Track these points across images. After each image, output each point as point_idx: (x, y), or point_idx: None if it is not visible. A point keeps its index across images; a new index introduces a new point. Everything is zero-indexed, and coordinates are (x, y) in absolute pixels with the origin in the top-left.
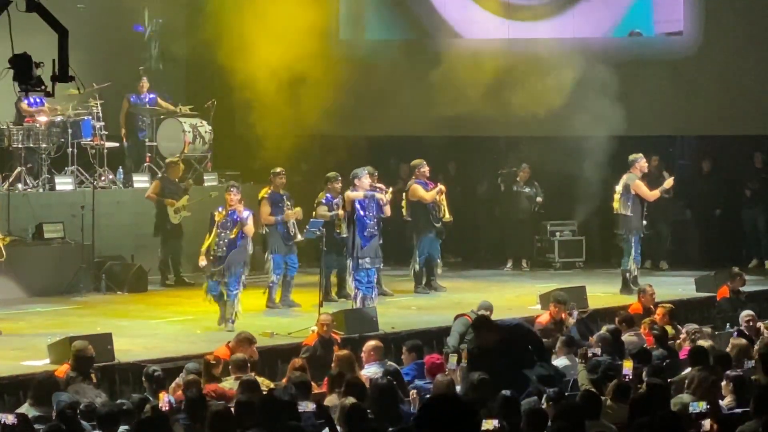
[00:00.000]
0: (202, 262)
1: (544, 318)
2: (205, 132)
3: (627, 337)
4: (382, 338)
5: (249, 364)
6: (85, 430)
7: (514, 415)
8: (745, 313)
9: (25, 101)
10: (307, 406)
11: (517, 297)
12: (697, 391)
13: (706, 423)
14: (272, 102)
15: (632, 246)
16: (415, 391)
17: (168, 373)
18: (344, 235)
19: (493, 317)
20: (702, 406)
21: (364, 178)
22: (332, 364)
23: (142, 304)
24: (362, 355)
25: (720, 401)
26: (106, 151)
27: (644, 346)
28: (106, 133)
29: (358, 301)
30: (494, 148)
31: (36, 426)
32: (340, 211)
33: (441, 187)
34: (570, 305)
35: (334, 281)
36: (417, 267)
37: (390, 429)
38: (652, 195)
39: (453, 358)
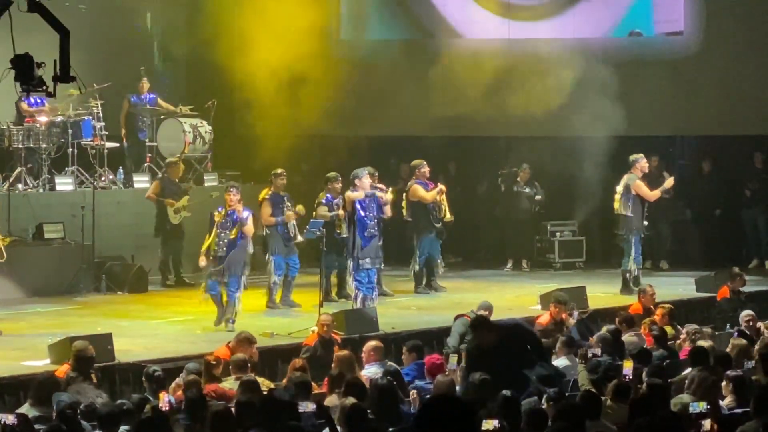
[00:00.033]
0: (203, 262)
1: (545, 318)
2: (206, 132)
3: (627, 337)
4: (383, 338)
5: (249, 365)
6: (85, 431)
7: (514, 415)
8: (745, 313)
9: (26, 101)
10: (307, 407)
11: (517, 297)
12: (697, 391)
13: (707, 423)
14: (272, 102)
15: (632, 246)
16: (415, 391)
17: (168, 373)
18: (344, 236)
19: (494, 318)
20: (702, 406)
21: (365, 178)
22: (332, 365)
23: (142, 305)
24: (362, 355)
25: (720, 401)
26: (106, 151)
27: (644, 346)
28: (107, 133)
29: (358, 302)
30: (494, 148)
31: (36, 426)
32: (341, 212)
33: (441, 187)
34: (570, 305)
35: (334, 281)
36: (417, 267)
37: (390, 429)
38: (653, 195)
39: (453, 359)
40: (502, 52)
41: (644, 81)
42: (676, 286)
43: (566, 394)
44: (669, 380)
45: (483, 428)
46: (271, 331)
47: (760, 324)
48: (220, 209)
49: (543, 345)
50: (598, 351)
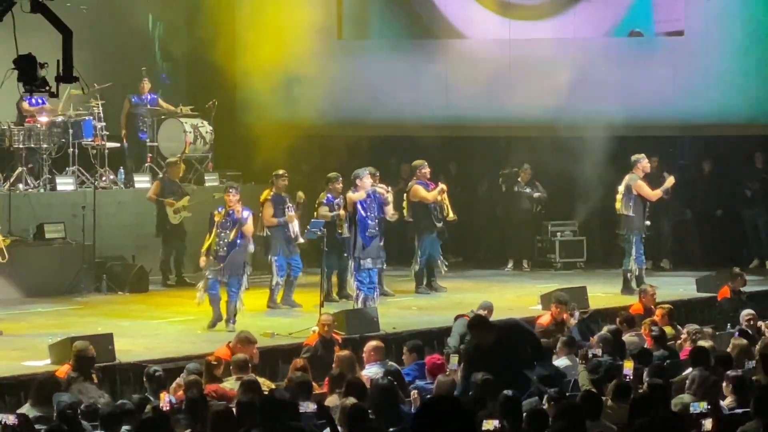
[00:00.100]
0: (203, 262)
1: (545, 319)
2: (206, 132)
3: (628, 337)
4: (383, 338)
5: (249, 365)
6: (86, 431)
7: (515, 415)
8: (746, 312)
9: (27, 101)
10: (308, 407)
11: (518, 297)
12: (697, 391)
13: (707, 423)
14: (273, 102)
15: (633, 246)
16: (416, 391)
17: (169, 373)
18: (345, 236)
19: (494, 318)
20: (703, 406)
21: (366, 178)
22: (333, 365)
23: (143, 305)
24: (363, 355)
25: (721, 401)
26: (107, 151)
27: (645, 346)
28: (107, 133)
29: (359, 302)
30: (495, 148)
31: (37, 426)
32: (341, 212)
33: (442, 186)
34: (571, 306)
35: (335, 281)
36: (417, 267)
37: (391, 429)
38: (654, 195)
39: (454, 359)
40: (502, 51)
41: (644, 81)
42: (677, 286)
43: (567, 394)
44: (670, 380)
45: (483, 428)
46: (271, 331)
47: (761, 323)
48: (219, 209)
49: (542, 344)
50: (599, 351)
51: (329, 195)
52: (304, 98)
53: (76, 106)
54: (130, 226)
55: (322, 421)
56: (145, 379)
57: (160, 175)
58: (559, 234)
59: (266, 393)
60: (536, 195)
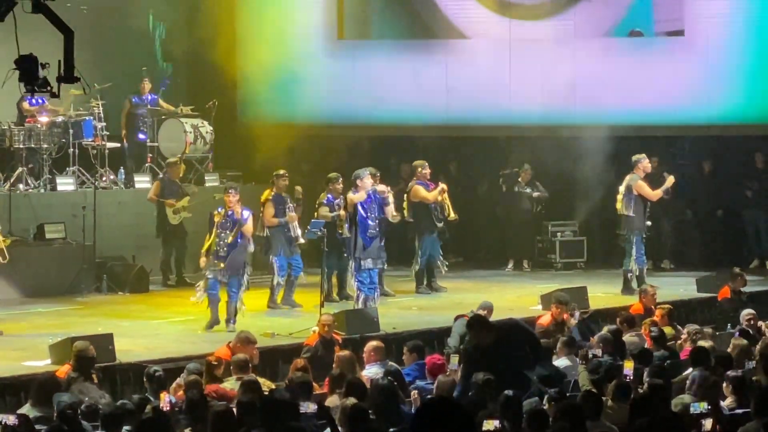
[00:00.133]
0: (203, 263)
1: (546, 319)
2: (207, 132)
3: (628, 337)
4: (383, 339)
5: (250, 365)
6: (86, 431)
7: (516, 415)
8: (746, 312)
9: (27, 100)
10: (308, 407)
11: (518, 297)
12: (698, 391)
13: (707, 423)
14: (273, 102)
15: (634, 246)
16: (416, 391)
17: (169, 373)
18: (346, 236)
19: (494, 318)
20: (703, 406)
21: (366, 178)
22: (333, 365)
23: (143, 305)
24: (363, 355)
25: (721, 402)
26: (107, 151)
27: (645, 346)
28: (108, 133)
29: (360, 302)
30: (495, 148)
31: (37, 426)
32: (342, 212)
33: (443, 186)
34: (571, 306)
35: (335, 282)
36: (418, 267)
37: (391, 430)
38: (655, 195)
39: (455, 359)
40: (502, 51)
41: (644, 81)
42: (677, 287)
43: (567, 394)
44: (670, 381)
45: (484, 429)
46: (272, 332)
47: (761, 323)
48: (219, 209)
49: (541, 344)
50: (599, 351)
51: (329, 195)
52: (305, 98)
53: (76, 106)
54: (131, 226)
55: (322, 422)
56: (145, 380)
57: (161, 176)
58: (559, 234)
59: (266, 393)
60: (535, 195)
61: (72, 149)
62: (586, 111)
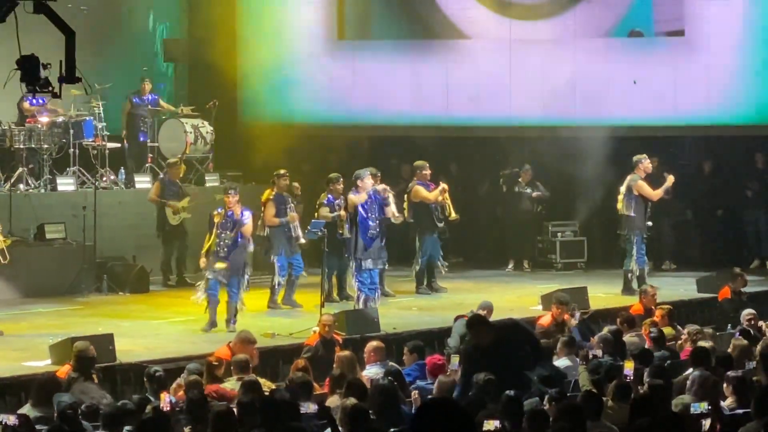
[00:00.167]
0: (203, 264)
1: (546, 319)
2: (207, 132)
3: (628, 337)
4: (384, 339)
5: (250, 365)
6: (86, 431)
7: (517, 416)
8: (747, 312)
9: (27, 100)
10: (308, 407)
11: (518, 298)
12: (698, 392)
13: (707, 423)
14: (274, 102)
15: (634, 246)
16: (416, 391)
17: (169, 373)
18: (346, 237)
19: (494, 318)
20: (703, 407)
21: (367, 179)
22: (334, 365)
23: (143, 305)
24: (364, 355)
25: (721, 402)
26: (107, 151)
27: (645, 346)
28: (108, 133)
29: (360, 303)
30: (495, 148)
31: (38, 427)
32: (342, 212)
33: (444, 186)
34: (572, 306)
35: (336, 282)
36: (418, 267)
37: (391, 430)
38: (655, 195)
39: (455, 359)
40: (503, 51)
41: (645, 81)
42: (678, 287)
43: (567, 394)
44: (670, 381)
45: (484, 429)
46: (272, 332)
47: (762, 323)
48: (219, 210)
49: (541, 344)
50: (600, 351)
51: (330, 196)
52: (305, 99)
53: (77, 106)
54: (131, 226)
55: (322, 422)
56: (145, 380)
57: (161, 176)
58: (559, 234)
59: (267, 393)
60: (535, 194)
61: (72, 149)
62: (586, 111)
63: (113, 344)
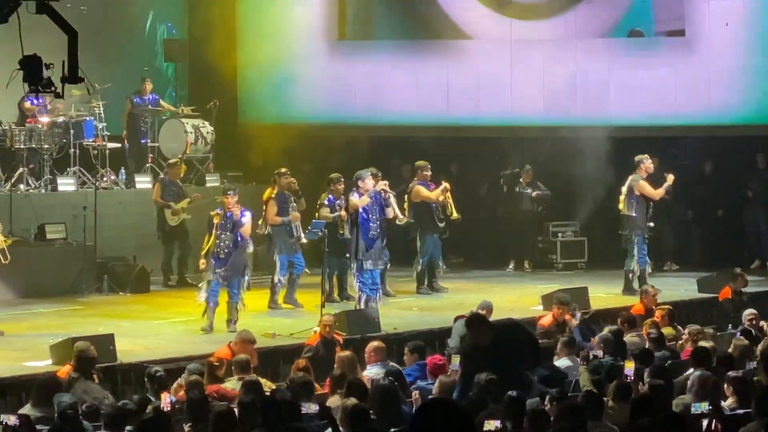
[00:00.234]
0: (203, 264)
1: (547, 319)
2: (207, 132)
3: (629, 337)
4: (384, 339)
5: (251, 365)
6: (87, 431)
7: (519, 416)
8: (748, 312)
9: (28, 100)
10: (309, 407)
11: (519, 298)
12: (699, 392)
13: (708, 423)
14: (274, 102)
15: (635, 246)
16: (417, 392)
17: (170, 373)
18: (347, 237)
19: (494, 318)
20: (704, 407)
21: (368, 180)
22: (334, 365)
23: (144, 305)
24: (364, 355)
25: (722, 402)
26: (108, 151)
27: (646, 346)
28: (108, 133)
29: (361, 303)
30: (496, 148)
31: (38, 427)
32: (343, 213)
33: (446, 185)
34: (572, 306)
35: (336, 282)
36: (419, 267)
37: (392, 430)
38: (656, 194)
39: (455, 359)
40: (503, 51)
41: (645, 81)
42: (678, 287)
43: (568, 394)
44: (671, 381)
45: (484, 429)
46: (273, 332)
47: (763, 323)
48: (218, 211)
49: (540, 344)
50: (600, 352)
51: (330, 196)
52: (306, 99)
53: (77, 106)
54: (132, 226)
55: (323, 422)
56: (146, 380)
57: (161, 176)
58: (560, 234)
59: (268, 393)
60: (535, 194)
61: (73, 149)
62: (587, 111)
63: (114, 344)
